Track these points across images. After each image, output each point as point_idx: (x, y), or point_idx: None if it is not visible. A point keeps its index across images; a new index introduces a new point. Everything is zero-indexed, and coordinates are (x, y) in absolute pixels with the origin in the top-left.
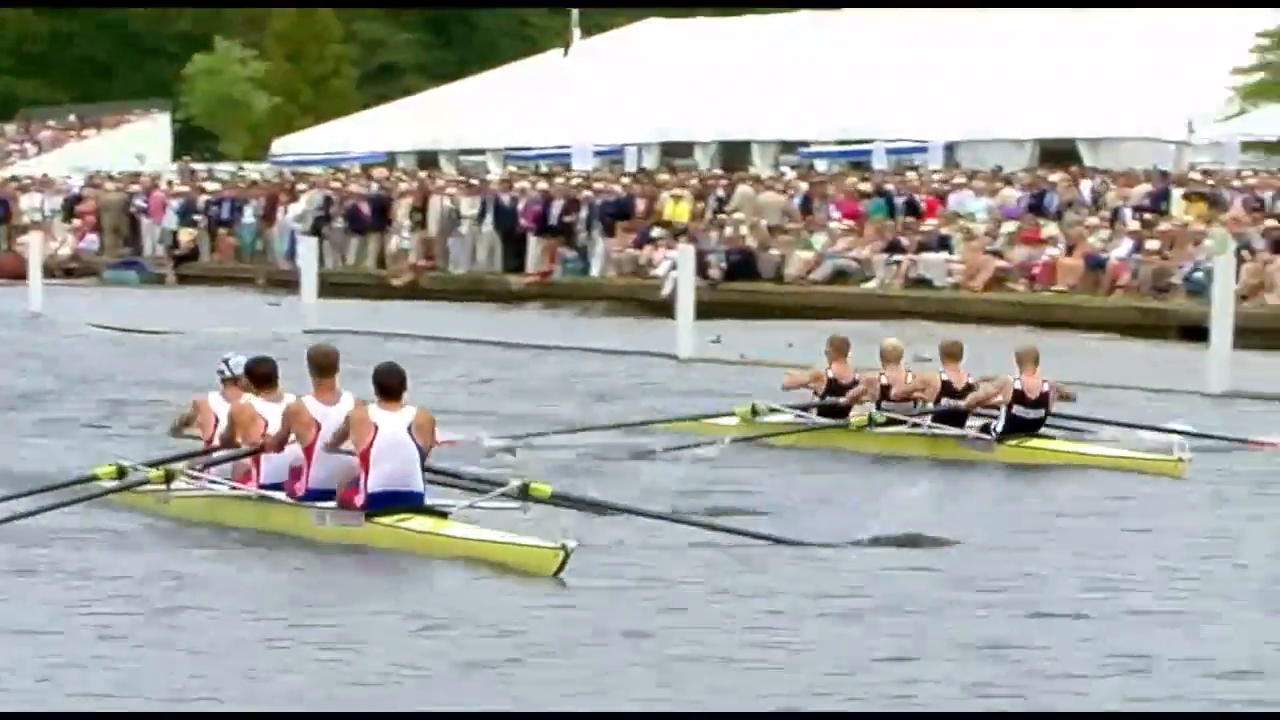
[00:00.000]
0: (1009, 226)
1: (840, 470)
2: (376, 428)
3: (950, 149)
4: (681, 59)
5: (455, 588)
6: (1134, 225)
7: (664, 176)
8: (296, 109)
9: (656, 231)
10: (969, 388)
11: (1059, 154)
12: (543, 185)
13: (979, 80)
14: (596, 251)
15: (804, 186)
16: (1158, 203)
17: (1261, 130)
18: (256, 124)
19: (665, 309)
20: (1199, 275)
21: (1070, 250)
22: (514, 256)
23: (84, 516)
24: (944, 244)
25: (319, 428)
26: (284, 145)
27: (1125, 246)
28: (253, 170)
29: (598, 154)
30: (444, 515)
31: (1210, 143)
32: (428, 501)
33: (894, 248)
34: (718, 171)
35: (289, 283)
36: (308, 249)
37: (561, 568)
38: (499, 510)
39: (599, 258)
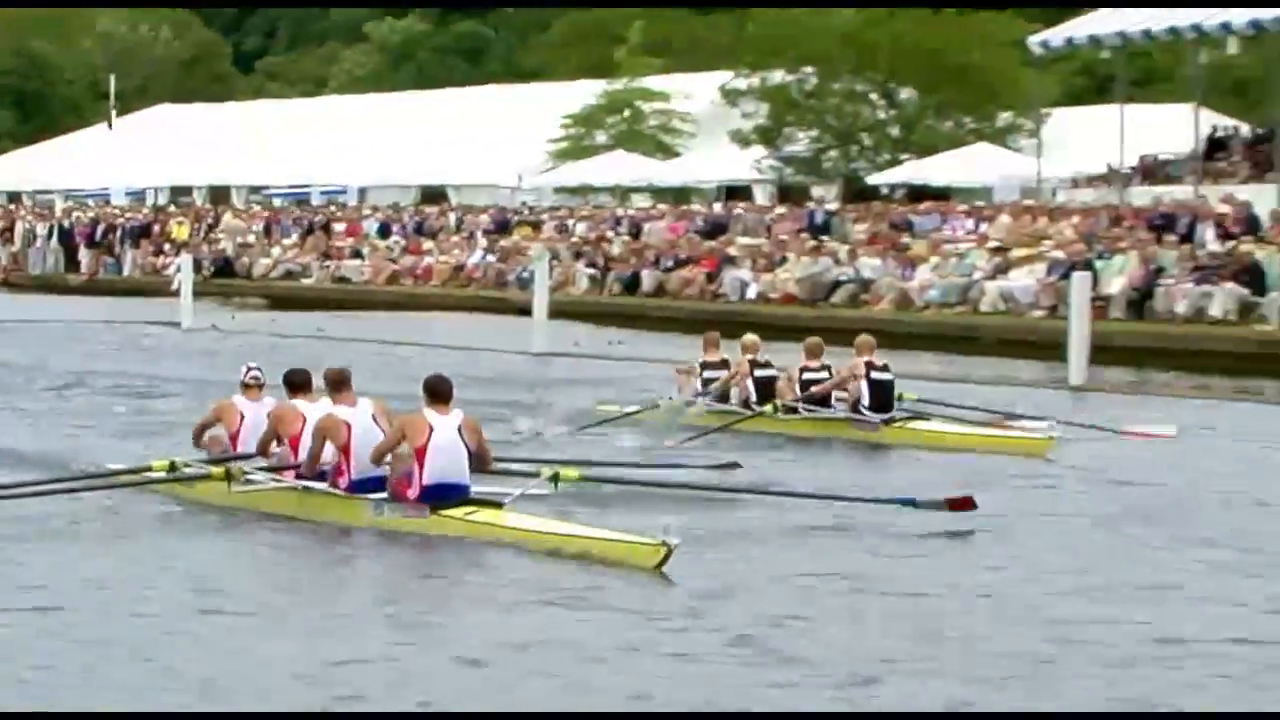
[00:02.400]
0: (400, 241)
1: (783, 452)
2: (431, 428)
3: (362, 191)
4: (185, 130)
5: (565, 579)
6: (484, 242)
7: (172, 209)
8: None
9: (167, 246)
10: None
11: (434, 195)
12: (91, 215)
13: (381, 143)
14: (127, 259)
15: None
16: (500, 227)
17: (566, 180)
18: None
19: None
20: (526, 275)
21: (440, 258)
22: (72, 262)
23: (148, 507)
24: (357, 254)
25: (349, 426)
26: None
27: (478, 255)
28: None
29: (128, 194)
30: (498, 506)
31: (533, 188)
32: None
33: (326, 255)
34: (208, 206)
35: None
36: None
37: (664, 563)
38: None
39: (129, 263)
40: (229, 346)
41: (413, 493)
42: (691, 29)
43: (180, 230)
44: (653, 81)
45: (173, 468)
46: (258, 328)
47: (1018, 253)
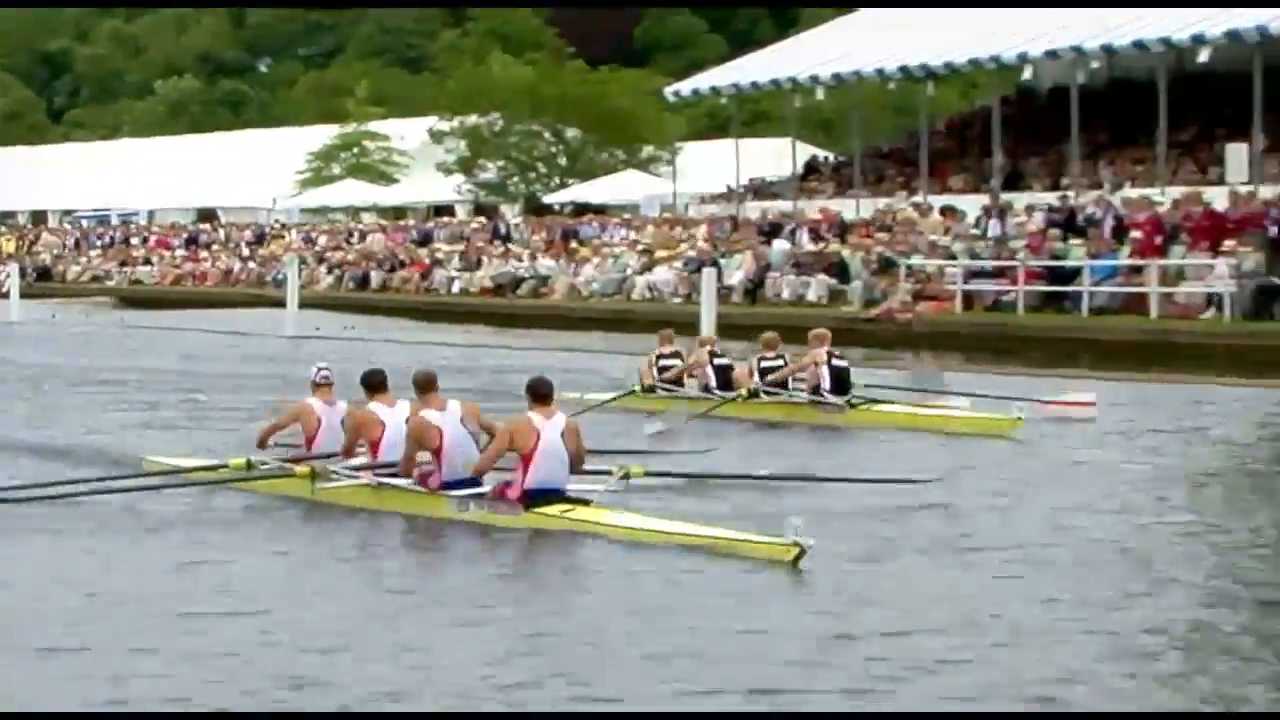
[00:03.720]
0: (183, 251)
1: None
2: (539, 434)
3: (151, 213)
4: (9, 167)
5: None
6: (247, 251)
7: (1, 229)
8: None
9: None
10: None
11: (208, 215)
12: None
13: (165, 175)
14: None
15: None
16: (259, 239)
17: (309, 202)
18: None
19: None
20: (280, 276)
21: (213, 264)
22: None
23: (226, 503)
24: (148, 261)
25: (441, 431)
26: None
27: (242, 262)
28: None
29: None
30: (587, 503)
31: (284, 209)
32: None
33: (124, 263)
34: (29, 226)
35: None
36: None
37: (796, 561)
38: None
39: None
40: (52, 335)
41: (513, 494)
42: (405, 84)
43: (8, 245)
44: (375, 125)
45: (249, 465)
46: (77, 319)
47: (660, 253)
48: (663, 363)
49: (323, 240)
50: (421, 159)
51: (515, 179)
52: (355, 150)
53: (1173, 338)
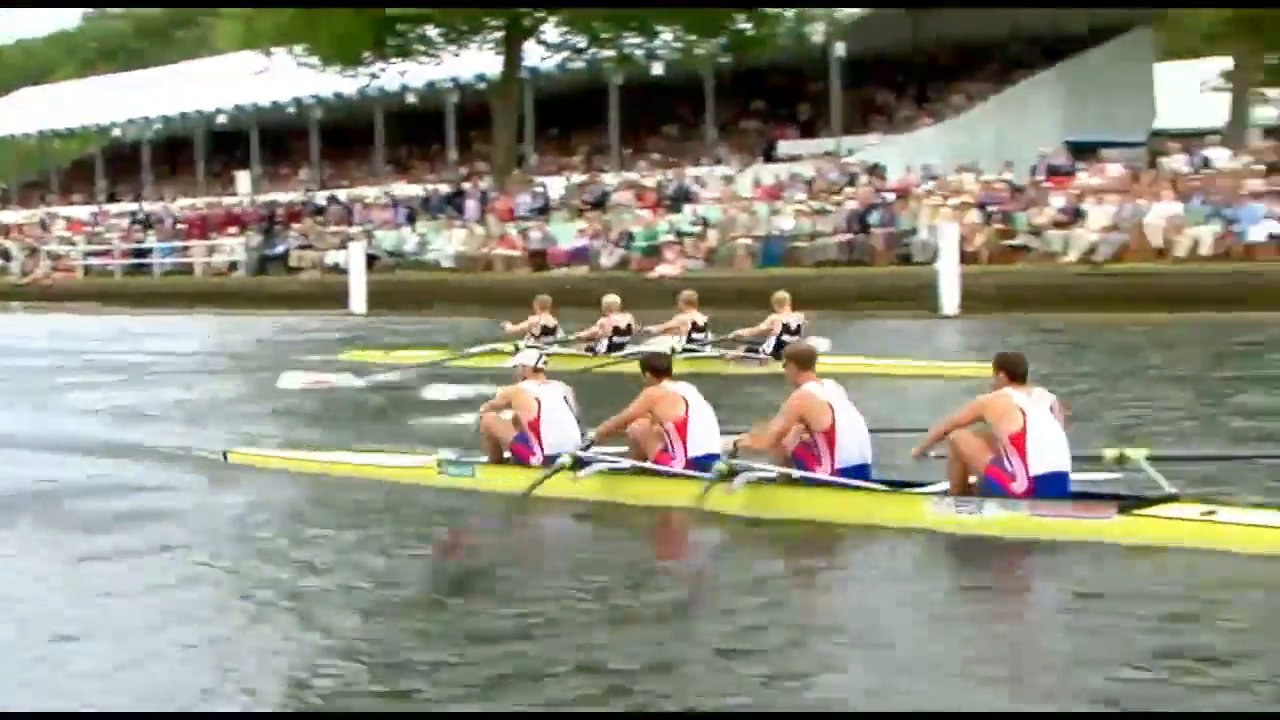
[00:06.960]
0: None
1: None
2: (1025, 414)
3: None
4: None
5: None
6: None
7: None
8: None
9: None
10: (707, 325)
11: None
12: None
13: None
14: None
15: None
16: None
17: None
18: None
19: None
20: None
21: None
22: None
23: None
24: None
25: (833, 409)
26: None
27: None
28: None
29: None
30: (1176, 499)
31: None
32: None
33: None
34: None
35: None
36: None
37: None
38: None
39: None
40: None
41: (1019, 487)
42: None
43: None
44: None
45: (577, 464)
46: None
47: None
48: (546, 337)
49: None
50: None
51: None
52: None
53: (220, 288)
